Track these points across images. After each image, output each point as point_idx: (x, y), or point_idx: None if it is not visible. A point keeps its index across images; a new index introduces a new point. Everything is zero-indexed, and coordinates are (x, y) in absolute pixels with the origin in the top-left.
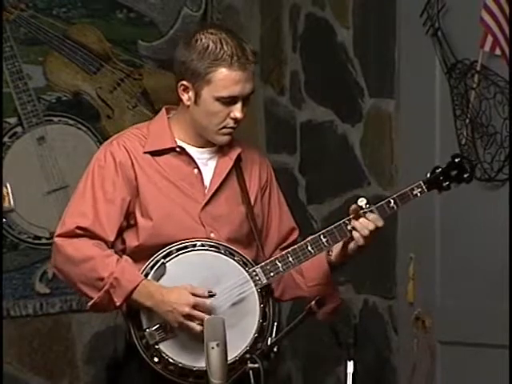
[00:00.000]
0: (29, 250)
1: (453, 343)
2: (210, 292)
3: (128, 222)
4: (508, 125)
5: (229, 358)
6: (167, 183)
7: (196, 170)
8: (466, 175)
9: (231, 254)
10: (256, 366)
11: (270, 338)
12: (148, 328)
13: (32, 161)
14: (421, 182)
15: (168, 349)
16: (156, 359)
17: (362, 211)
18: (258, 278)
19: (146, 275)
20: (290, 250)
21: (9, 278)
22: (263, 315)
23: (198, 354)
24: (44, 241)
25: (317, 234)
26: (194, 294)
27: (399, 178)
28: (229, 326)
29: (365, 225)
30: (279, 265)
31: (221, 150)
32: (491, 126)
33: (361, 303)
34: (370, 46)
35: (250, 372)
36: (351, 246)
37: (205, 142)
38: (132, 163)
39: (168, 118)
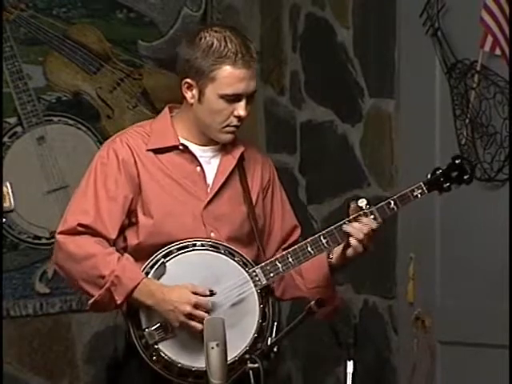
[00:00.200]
0: (29, 250)
1: (453, 343)
2: (210, 291)
3: (130, 219)
4: (508, 125)
5: (228, 358)
6: (170, 181)
7: (199, 168)
8: (466, 176)
9: (231, 254)
10: (256, 366)
11: (269, 338)
12: (147, 328)
13: (32, 161)
14: (421, 184)
15: (167, 349)
16: (155, 359)
17: (362, 211)
18: (257, 279)
19: (146, 274)
20: (290, 250)
21: (9, 278)
22: (263, 315)
23: (197, 354)
24: (44, 241)
25: (317, 235)
26: (195, 293)
27: (399, 177)
28: (228, 326)
29: (358, 228)
30: (279, 265)
31: (224, 149)
32: (491, 126)
33: (361, 303)
34: (370, 45)
35: (250, 372)
36: (350, 250)
37: (208, 141)
38: (135, 161)
39: (171, 116)
